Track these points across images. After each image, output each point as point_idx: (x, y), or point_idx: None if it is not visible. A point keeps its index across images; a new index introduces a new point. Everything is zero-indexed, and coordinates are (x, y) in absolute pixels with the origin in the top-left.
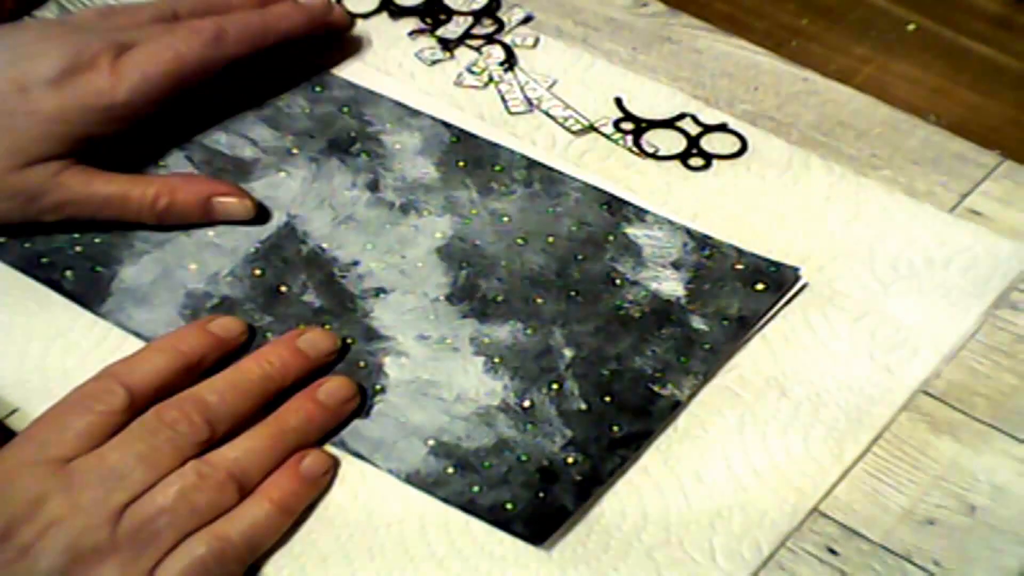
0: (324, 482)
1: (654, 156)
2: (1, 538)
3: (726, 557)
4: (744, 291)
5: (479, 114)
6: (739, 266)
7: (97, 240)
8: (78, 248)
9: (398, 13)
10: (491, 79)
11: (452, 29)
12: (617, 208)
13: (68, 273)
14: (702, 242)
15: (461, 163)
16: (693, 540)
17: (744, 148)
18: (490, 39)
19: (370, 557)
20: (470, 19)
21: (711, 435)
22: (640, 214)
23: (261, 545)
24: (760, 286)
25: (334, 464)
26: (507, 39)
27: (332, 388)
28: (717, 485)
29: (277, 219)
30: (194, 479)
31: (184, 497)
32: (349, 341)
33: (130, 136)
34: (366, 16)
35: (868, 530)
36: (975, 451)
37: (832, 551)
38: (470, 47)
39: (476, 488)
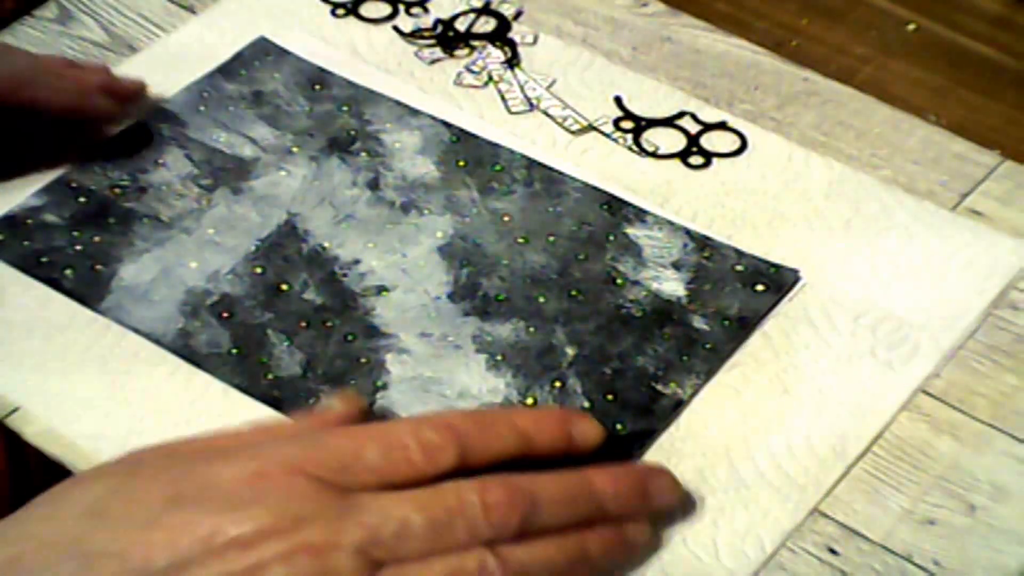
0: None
1: (654, 155)
2: (243, 544)
3: (729, 554)
4: (744, 292)
5: (479, 113)
6: (739, 267)
7: (97, 239)
8: (78, 247)
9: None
10: (490, 78)
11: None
12: (617, 208)
13: (68, 271)
14: (702, 243)
15: (461, 162)
16: (696, 537)
17: (744, 146)
18: (492, 37)
19: None
20: (470, 17)
21: (713, 433)
22: (640, 215)
23: None
24: (760, 287)
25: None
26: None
27: (639, 531)
28: (720, 482)
29: (277, 218)
30: (474, 570)
31: None
32: (350, 339)
33: None
34: (375, 21)
35: (868, 530)
36: (975, 451)
37: (832, 551)
38: (472, 47)
39: None
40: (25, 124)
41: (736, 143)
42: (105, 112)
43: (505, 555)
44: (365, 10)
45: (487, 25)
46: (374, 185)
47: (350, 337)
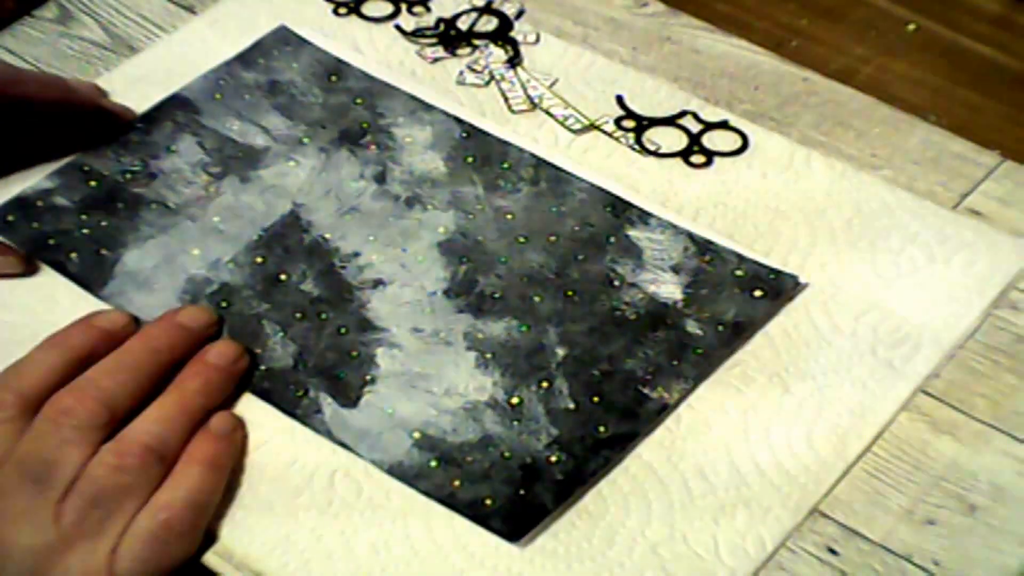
0: (239, 438)
1: (656, 154)
2: None
3: (730, 553)
4: (741, 297)
5: (480, 112)
6: (739, 272)
7: (104, 223)
8: (85, 230)
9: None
10: (492, 77)
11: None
12: (621, 210)
13: (73, 255)
14: (704, 247)
15: (470, 159)
16: (697, 536)
17: (745, 145)
18: (494, 36)
19: (375, 553)
20: (472, 16)
21: (714, 431)
22: (644, 217)
23: (205, 506)
24: (758, 293)
25: (240, 421)
26: (511, 35)
27: (219, 350)
28: (721, 481)
29: (282, 208)
30: (113, 460)
31: (110, 479)
32: (343, 331)
33: None
34: (377, 20)
35: (868, 530)
36: (975, 451)
37: (832, 551)
38: (473, 46)
39: (457, 482)
40: (18, 122)
41: (737, 142)
42: (91, 100)
43: (126, 435)
44: (367, 9)
45: (489, 24)
46: (381, 179)
47: (343, 330)
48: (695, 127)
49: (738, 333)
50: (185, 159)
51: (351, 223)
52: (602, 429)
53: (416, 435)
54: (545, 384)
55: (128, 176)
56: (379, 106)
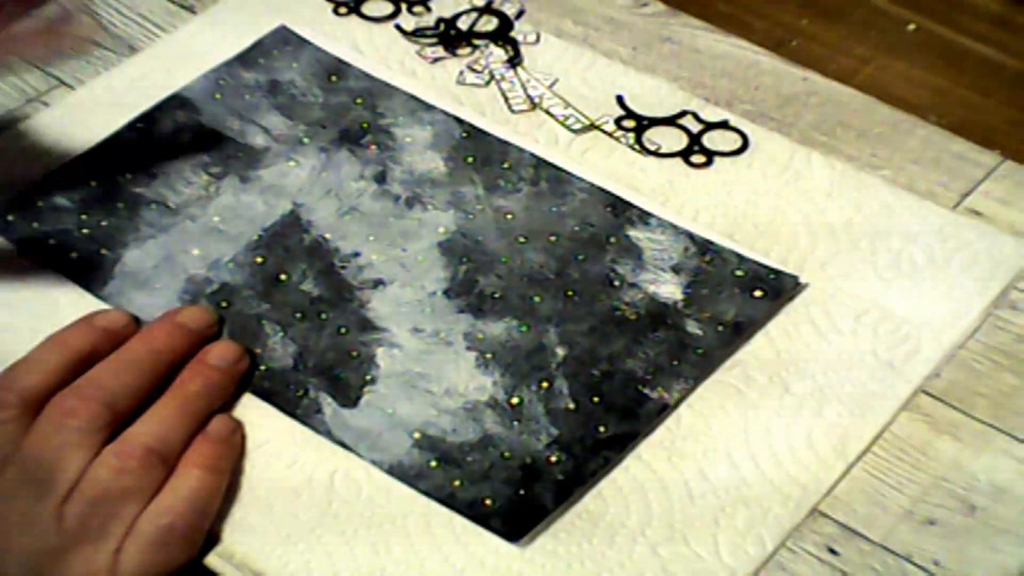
0: (238, 441)
1: (656, 153)
2: None
3: (730, 553)
4: (741, 297)
5: (480, 112)
6: (739, 272)
7: (104, 223)
8: (85, 230)
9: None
10: (492, 77)
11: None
12: (621, 210)
13: (73, 255)
14: (704, 247)
15: (470, 159)
16: (697, 536)
17: (746, 145)
18: (494, 36)
19: (375, 553)
20: (472, 16)
21: (715, 432)
22: (644, 217)
23: (206, 510)
24: (758, 293)
25: (239, 424)
26: (511, 35)
27: (220, 351)
28: (721, 481)
29: (283, 208)
30: (115, 462)
31: (112, 481)
32: (343, 331)
33: None
34: (377, 19)
35: (868, 530)
36: (975, 451)
37: (832, 551)
38: (474, 46)
39: (457, 483)
40: None
41: (738, 142)
42: None
43: (127, 436)
44: (367, 9)
45: (489, 24)
46: (381, 179)
47: (343, 330)
48: (695, 127)
49: (738, 333)
50: (185, 159)
51: (351, 223)
52: (602, 429)
53: (416, 435)
54: (545, 384)
55: (128, 175)
56: (379, 106)
